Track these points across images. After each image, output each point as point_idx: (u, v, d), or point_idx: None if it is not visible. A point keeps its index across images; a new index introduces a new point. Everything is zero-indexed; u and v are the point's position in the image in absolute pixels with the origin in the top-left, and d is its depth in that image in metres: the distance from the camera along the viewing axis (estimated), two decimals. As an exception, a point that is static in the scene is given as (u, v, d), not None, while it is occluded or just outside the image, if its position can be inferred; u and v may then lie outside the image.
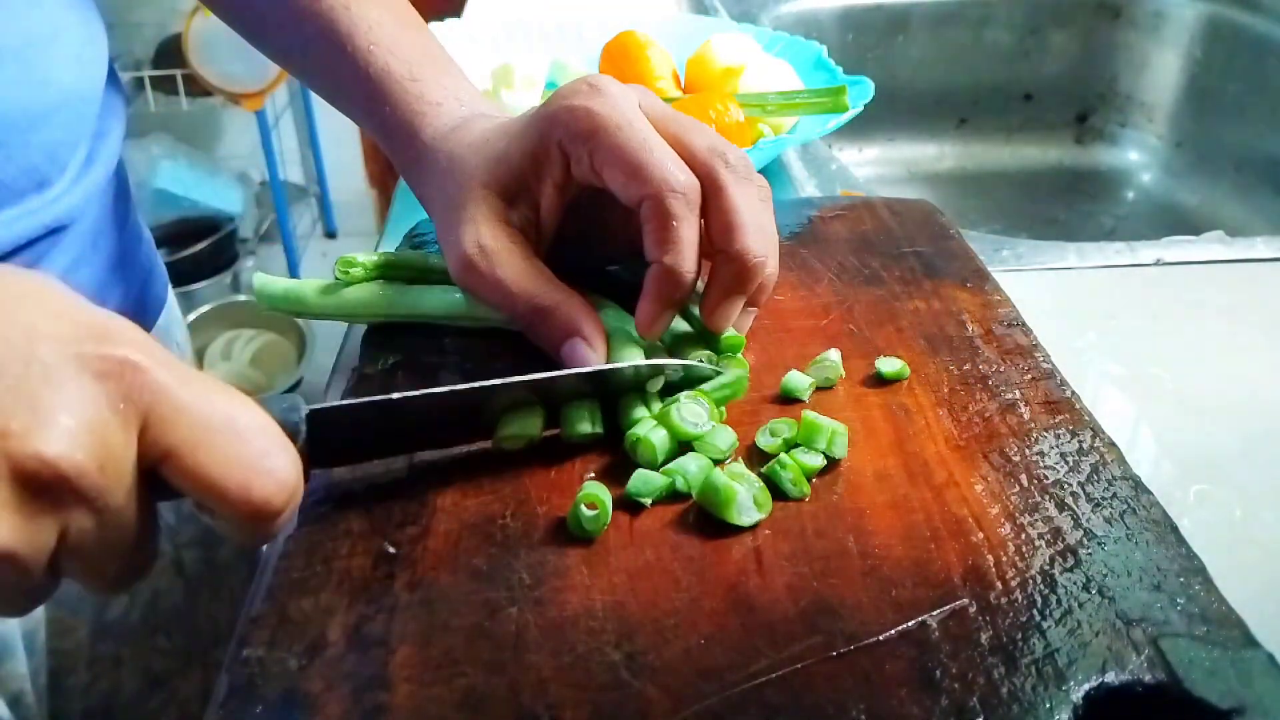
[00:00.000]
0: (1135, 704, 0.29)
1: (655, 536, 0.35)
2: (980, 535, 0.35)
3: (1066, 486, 0.37)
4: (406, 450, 0.39)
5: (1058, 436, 0.39)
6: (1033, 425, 0.40)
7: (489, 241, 0.42)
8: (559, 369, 0.40)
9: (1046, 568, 0.33)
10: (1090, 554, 0.34)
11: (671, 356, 0.42)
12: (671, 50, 0.76)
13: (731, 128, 0.63)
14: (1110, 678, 0.29)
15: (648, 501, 0.36)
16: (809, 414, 0.38)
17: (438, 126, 0.47)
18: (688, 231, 0.40)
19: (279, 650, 0.31)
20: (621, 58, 0.74)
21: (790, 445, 0.38)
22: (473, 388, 0.37)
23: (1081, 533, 0.35)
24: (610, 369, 0.40)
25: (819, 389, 0.42)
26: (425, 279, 0.47)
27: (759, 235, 0.40)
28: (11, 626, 0.52)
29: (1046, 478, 0.37)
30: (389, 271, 0.47)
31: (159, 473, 0.29)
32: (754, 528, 0.35)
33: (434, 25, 0.74)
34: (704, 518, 0.36)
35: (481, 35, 0.82)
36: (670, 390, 0.40)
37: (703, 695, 0.29)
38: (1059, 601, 0.32)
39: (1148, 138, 1.14)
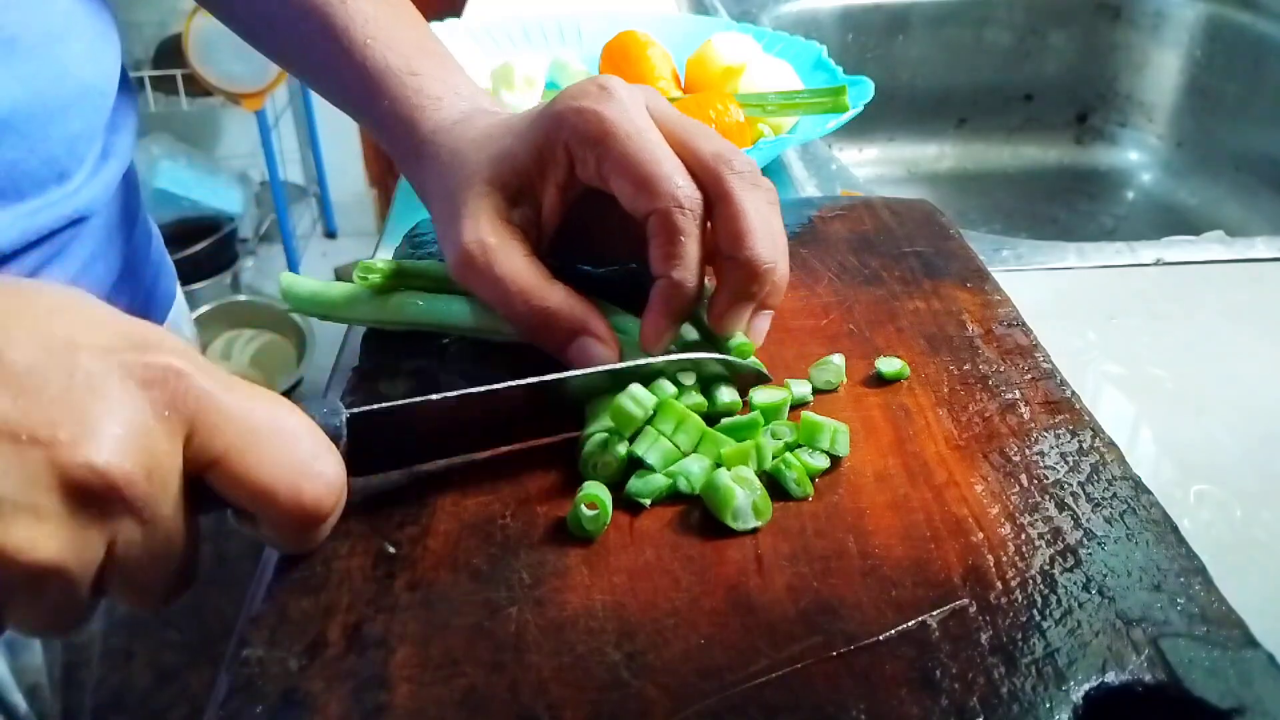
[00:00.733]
0: (1135, 704, 0.29)
1: (655, 537, 0.35)
2: (980, 535, 0.35)
3: (1066, 486, 0.37)
4: (443, 455, 0.38)
5: (1058, 436, 0.39)
6: (1033, 425, 0.40)
7: (489, 237, 0.41)
8: (570, 370, 0.40)
9: (1046, 568, 0.33)
10: (1090, 554, 0.34)
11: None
12: (671, 50, 0.76)
13: (732, 128, 0.63)
14: (1110, 678, 0.29)
15: (647, 501, 0.36)
16: (809, 414, 0.38)
17: (438, 120, 0.47)
18: (694, 247, 0.40)
19: (279, 650, 0.31)
20: (621, 58, 0.74)
21: (791, 447, 0.38)
22: (538, 382, 0.37)
23: (1081, 533, 0.35)
24: (686, 359, 0.40)
25: (819, 391, 0.42)
26: (447, 288, 0.46)
27: (767, 241, 0.40)
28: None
29: (1046, 478, 0.37)
30: (407, 280, 0.46)
31: (205, 480, 0.29)
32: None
33: (434, 25, 0.74)
34: (704, 518, 0.36)
35: (481, 35, 0.82)
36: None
37: (703, 695, 0.29)
38: (1059, 601, 0.32)
39: (1148, 138, 1.14)
